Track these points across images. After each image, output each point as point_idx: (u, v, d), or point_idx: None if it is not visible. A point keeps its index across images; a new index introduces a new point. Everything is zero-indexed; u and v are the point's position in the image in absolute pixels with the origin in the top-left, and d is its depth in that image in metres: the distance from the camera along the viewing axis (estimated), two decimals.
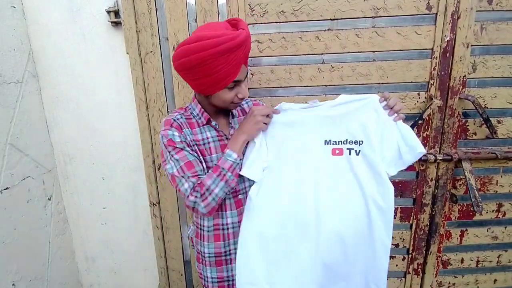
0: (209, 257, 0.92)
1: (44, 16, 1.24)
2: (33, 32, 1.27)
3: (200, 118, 0.87)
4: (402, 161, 0.82)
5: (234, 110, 0.92)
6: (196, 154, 0.83)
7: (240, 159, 0.83)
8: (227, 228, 0.90)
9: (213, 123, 0.88)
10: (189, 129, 0.85)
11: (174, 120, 0.83)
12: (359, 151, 0.83)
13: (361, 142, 0.83)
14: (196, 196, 0.78)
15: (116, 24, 1.22)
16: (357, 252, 0.84)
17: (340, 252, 0.84)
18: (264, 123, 0.83)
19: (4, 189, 1.16)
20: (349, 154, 0.83)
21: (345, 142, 0.84)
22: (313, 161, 0.85)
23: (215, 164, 0.81)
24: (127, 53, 1.21)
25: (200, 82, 0.79)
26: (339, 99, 0.84)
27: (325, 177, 0.84)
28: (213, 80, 0.77)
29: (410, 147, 0.81)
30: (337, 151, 0.84)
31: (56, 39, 1.27)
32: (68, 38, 1.26)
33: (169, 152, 0.80)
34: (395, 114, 0.82)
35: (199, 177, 0.80)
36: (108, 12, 1.19)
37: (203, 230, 0.91)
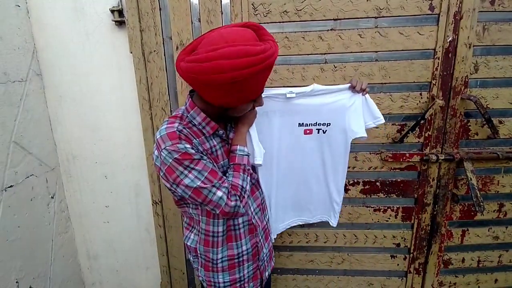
0: (221, 261, 0.89)
1: (48, 15, 1.25)
2: (37, 31, 1.27)
3: (204, 128, 0.81)
4: (365, 126, 1.05)
5: None
6: (212, 162, 0.80)
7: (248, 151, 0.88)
8: (239, 228, 0.89)
9: (221, 132, 0.84)
10: (196, 139, 0.78)
11: (179, 132, 0.75)
12: (326, 130, 1.06)
13: (328, 124, 1.05)
14: (236, 200, 0.78)
15: (120, 23, 1.22)
16: (317, 185, 1.14)
17: (304, 187, 1.14)
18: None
19: (8, 187, 1.17)
20: (318, 133, 1.07)
21: (314, 124, 1.06)
22: (288, 140, 1.06)
23: (233, 164, 0.83)
24: (131, 52, 1.22)
25: (228, 98, 0.73)
26: (313, 90, 1.00)
27: (298, 151, 1.08)
28: (244, 95, 0.74)
29: (374, 117, 1.05)
30: (307, 131, 1.07)
31: (60, 38, 1.27)
32: (72, 37, 1.27)
33: (186, 166, 0.73)
34: (363, 91, 1.02)
35: (227, 182, 0.79)
36: (112, 11, 1.20)
37: (217, 237, 0.87)
